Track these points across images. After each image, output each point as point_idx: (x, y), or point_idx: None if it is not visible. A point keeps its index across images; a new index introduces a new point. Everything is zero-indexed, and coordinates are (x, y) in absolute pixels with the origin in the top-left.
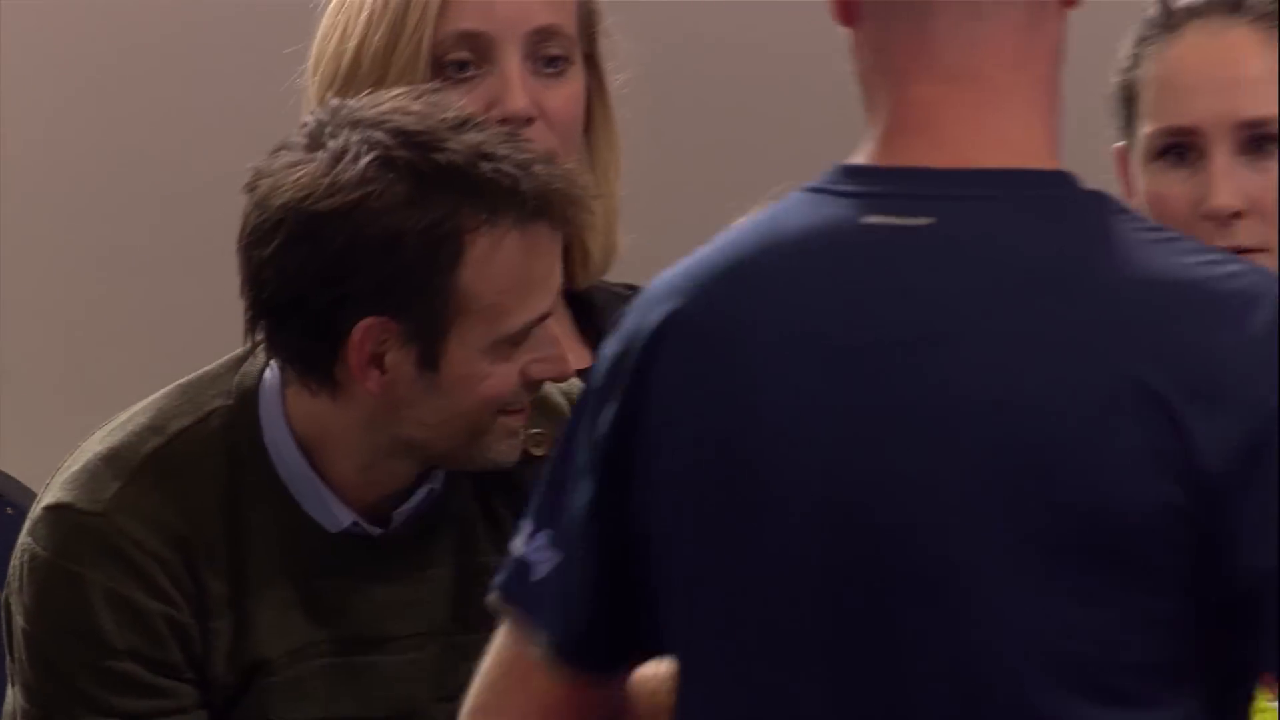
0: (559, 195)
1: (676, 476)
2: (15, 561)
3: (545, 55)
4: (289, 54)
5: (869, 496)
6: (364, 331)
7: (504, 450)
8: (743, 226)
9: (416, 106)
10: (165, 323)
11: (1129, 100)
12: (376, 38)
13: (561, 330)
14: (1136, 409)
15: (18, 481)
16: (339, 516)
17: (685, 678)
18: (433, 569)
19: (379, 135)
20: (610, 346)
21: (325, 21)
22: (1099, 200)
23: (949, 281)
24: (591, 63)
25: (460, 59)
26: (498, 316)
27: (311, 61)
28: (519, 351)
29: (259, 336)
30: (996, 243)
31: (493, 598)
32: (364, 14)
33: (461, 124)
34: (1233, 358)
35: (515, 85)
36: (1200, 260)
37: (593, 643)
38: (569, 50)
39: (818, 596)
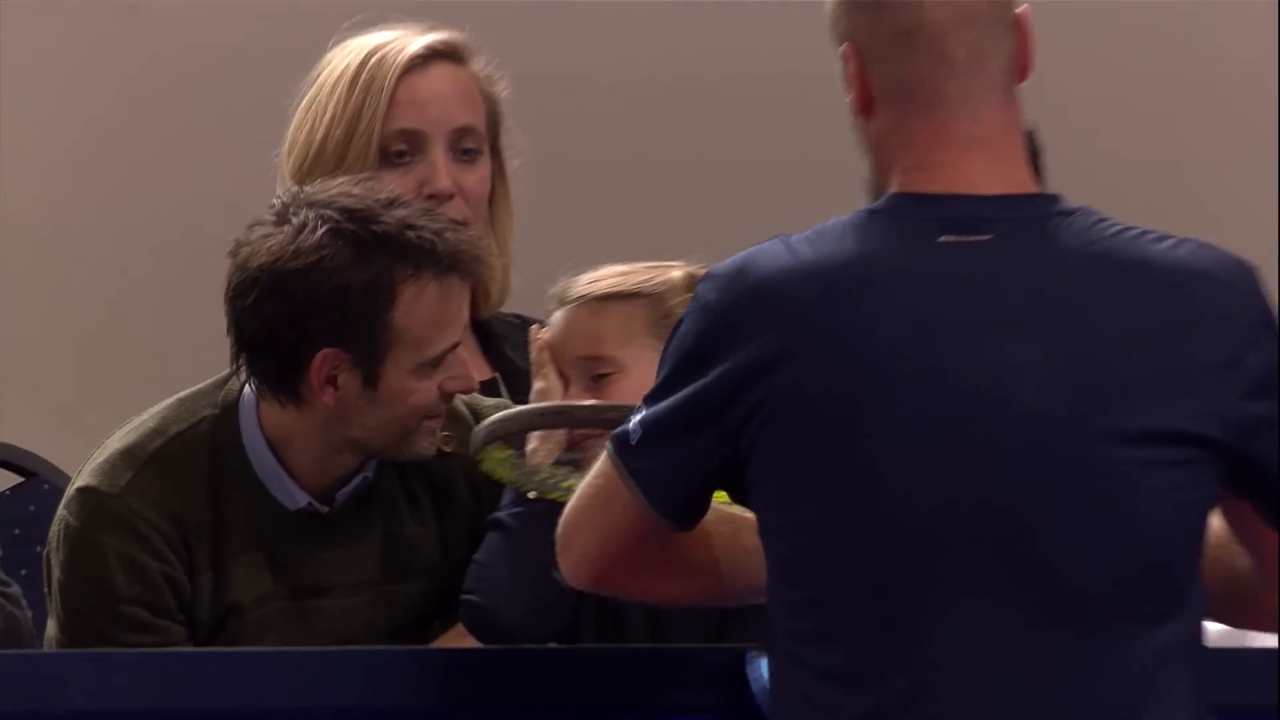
0: (466, 255)
1: (816, 417)
2: (54, 528)
3: (462, 147)
4: (266, 140)
5: (974, 427)
6: (322, 359)
7: (425, 446)
8: (822, 238)
9: (357, 190)
10: (168, 349)
11: None
12: (337, 132)
13: (469, 352)
14: (1181, 358)
15: (53, 465)
16: (297, 498)
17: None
18: (366, 536)
19: (330, 212)
20: (730, 313)
21: (297, 117)
22: (1088, 210)
23: (1016, 280)
24: (495, 152)
25: (400, 149)
26: (421, 346)
27: (285, 147)
28: (437, 372)
29: (240, 364)
30: (1045, 249)
31: (606, 443)
32: (328, 114)
33: (391, 203)
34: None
35: (441, 170)
36: (1167, 241)
37: (674, 502)
38: (480, 143)
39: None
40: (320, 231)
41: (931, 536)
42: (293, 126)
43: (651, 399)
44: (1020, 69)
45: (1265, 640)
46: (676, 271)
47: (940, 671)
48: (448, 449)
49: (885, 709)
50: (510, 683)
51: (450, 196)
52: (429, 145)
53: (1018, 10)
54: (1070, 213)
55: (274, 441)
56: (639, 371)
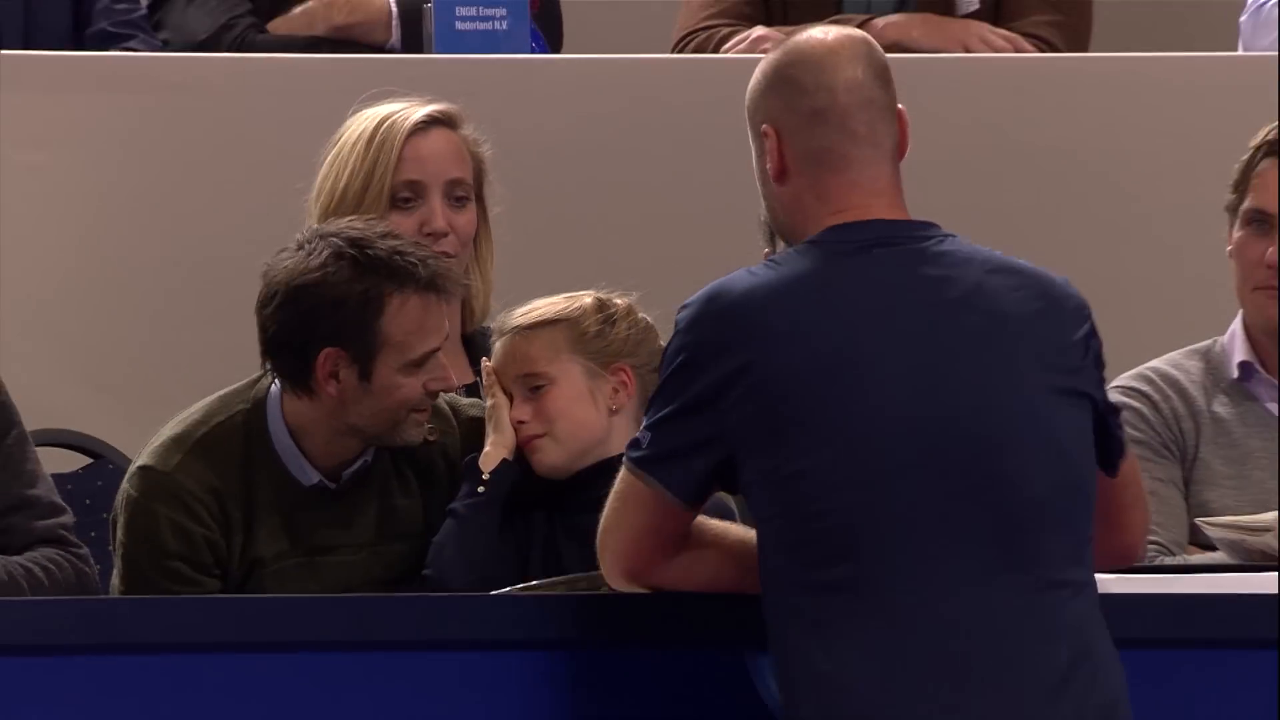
0: (443, 277)
1: (793, 392)
2: (118, 499)
3: (455, 195)
4: (299, 187)
5: (936, 385)
6: (325, 357)
7: (413, 434)
8: (775, 264)
9: (360, 225)
10: (210, 355)
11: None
12: (356, 182)
13: (456, 360)
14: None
15: (116, 449)
16: (310, 475)
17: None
18: (365, 506)
19: (335, 240)
20: (706, 333)
21: (323, 170)
22: (959, 236)
23: (939, 273)
24: (479, 198)
25: (405, 196)
26: (405, 349)
27: (314, 194)
28: (421, 372)
29: (267, 366)
30: (953, 254)
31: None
32: (348, 168)
33: (385, 235)
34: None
35: (437, 213)
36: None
37: (686, 485)
38: (469, 191)
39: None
40: (325, 254)
41: (910, 463)
42: (319, 177)
43: (652, 411)
44: (901, 148)
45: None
46: (588, 298)
47: (923, 569)
48: (431, 438)
49: (885, 611)
50: (478, 624)
51: (445, 234)
52: (428, 193)
53: (899, 106)
54: (953, 235)
55: (293, 429)
56: (566, 383)
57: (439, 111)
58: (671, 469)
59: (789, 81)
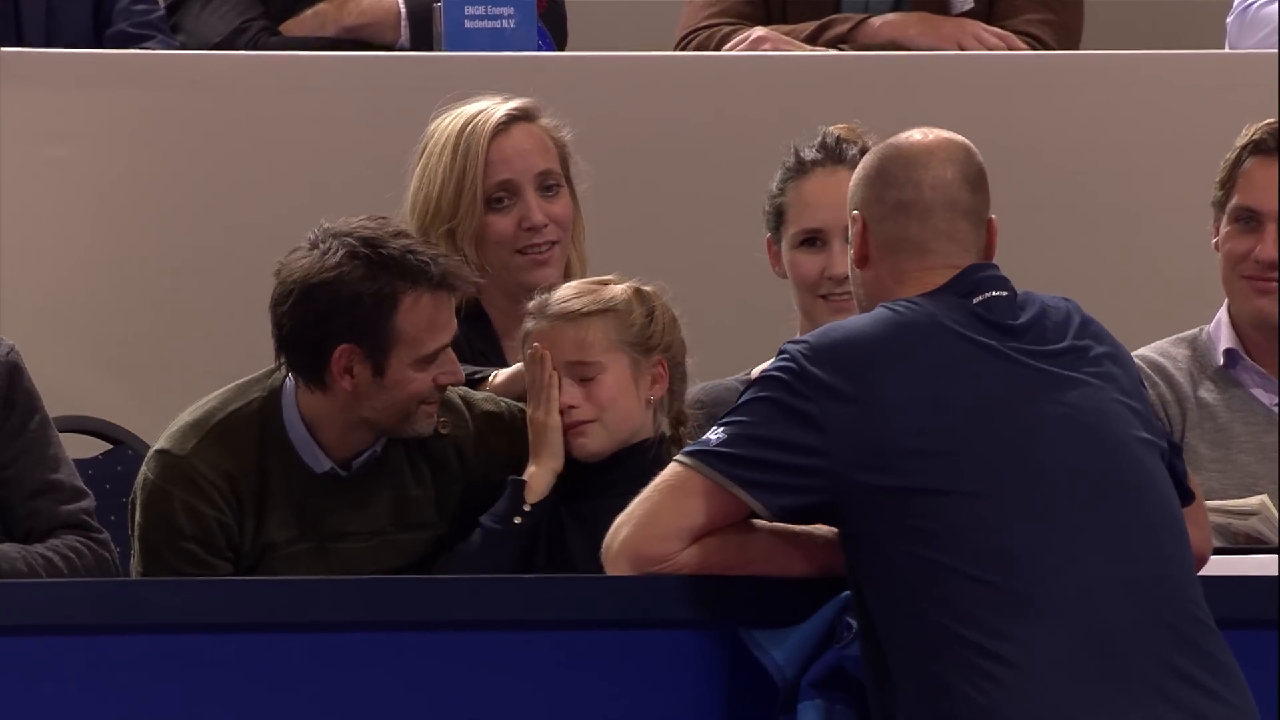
0: (453, 275)
1: (915, 425)
2: (138, 481)
3: (546, 185)
4: (389, 197)
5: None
6: (340, 353)
7: (424, 426)
8: (876, 315)
9: (372, 224)
10: (225, 347)
11: (779, 215)
12: (449, 191)
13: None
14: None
15: (135, 435)
16: (322, 463)
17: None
18: (376, 495)
19: (349, 240)
20: (805, 370)
21: (413, 182)
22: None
23: (1025, 324)
24: (569, 180)
25: (499, 196)
26: (418, 345)
27: (407, 206)
28: (432, 367)
29: (281, 359)
30: (1043, 311)
31: (680, 454)
32: (438, 179)
33: (397, 234)
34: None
35: (533, 208)
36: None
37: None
38: (558, 179)
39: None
40: (340, 253)
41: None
42: (410, 190)
43: (736, 416)
44: (986, 254)
45: None
46: (619, 286)
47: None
48: (444, 432)
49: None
50: (483, 604)
51: (545, 225)
52: (521, 190)
53: (990, 216)
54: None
55: (307, 420)
56: (616, 372)
57: (516, 109)
58: (749, 468)
59: (882, 173)
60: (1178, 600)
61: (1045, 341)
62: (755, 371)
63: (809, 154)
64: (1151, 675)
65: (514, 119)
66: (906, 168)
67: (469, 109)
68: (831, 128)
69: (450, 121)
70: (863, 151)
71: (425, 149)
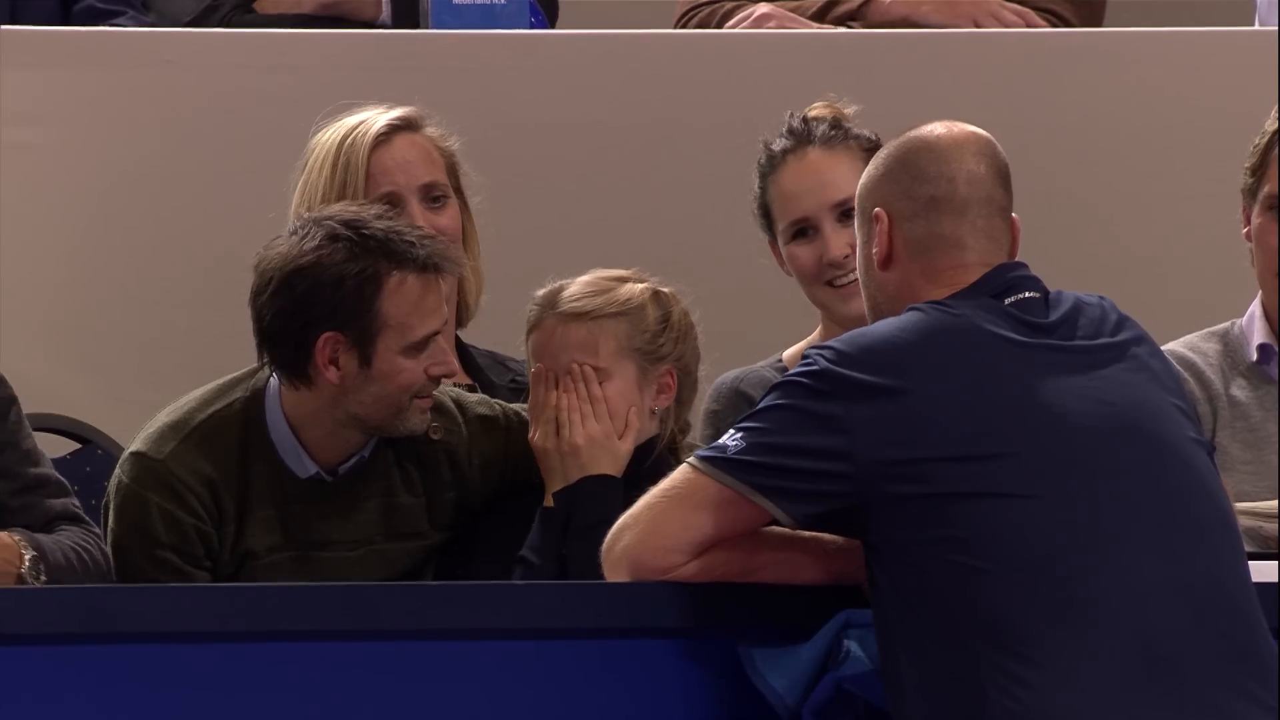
0: (440, 255)
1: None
2: (111, 484)
3: (431, 196)
4: (271, 217)
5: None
6: (324, 342)
7: (417, 422)
8: (901, 319)
9: (353, 208)
10: (204, 345)
11: (766, 214)
12: (331, 201)
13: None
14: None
15: (105, 434)
16: (307, 467)
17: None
18: (363, 502)
19: (329, 223)
20: (831, 372)
21: (295, 197)
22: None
23: (1059, 322)
24: (459, 192)
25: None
26: (405, 330)
27: (290, 224)
28: (422, 356)
29: (264, 357)
30: (1076, 308)
31: (694, 459)
32: (319, 194)
33: (379, 216)
34: None
35: (417, 220)
36: None
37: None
38: (445, 190)
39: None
40: (320, 236)
41: (1094, 486)
42: (292, 206)
43: (754, 422)
44: (1010, 253)
45: None
46: (638, 286)
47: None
48: (436, 436)
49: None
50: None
51: (430, 238)
52: (405, 201)
53: (1014, 214)
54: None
55: (293, 421)
56: (621, 378)
57: (398, 118)
58: (768, 474)
59: (908, 167)
60: (1232, 609)
61: (1083, 339)
62: (786, 354)
63: (777, 144)
64: (1203, 687)
65: (395, 129)
66: (938, 161)
67: (349, 120)
68: (800, 110)
69: (330, 134)
70: (834, 126)
71: (306, 164)
